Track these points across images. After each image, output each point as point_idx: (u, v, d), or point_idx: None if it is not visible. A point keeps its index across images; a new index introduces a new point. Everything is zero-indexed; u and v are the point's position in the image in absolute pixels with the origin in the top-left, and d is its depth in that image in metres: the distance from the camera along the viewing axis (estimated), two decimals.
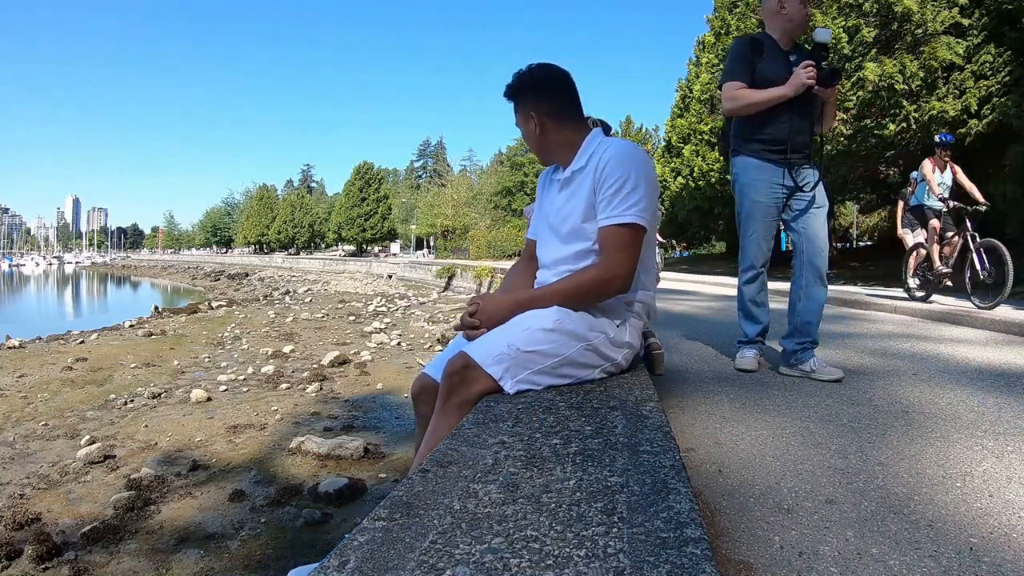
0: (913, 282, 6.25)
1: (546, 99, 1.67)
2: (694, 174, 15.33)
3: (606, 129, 2.34)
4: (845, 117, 9.82)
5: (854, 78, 9.59)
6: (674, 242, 27.79)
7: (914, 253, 6.30)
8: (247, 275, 38.99)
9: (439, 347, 9.15)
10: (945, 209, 5.71)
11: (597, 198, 1.57)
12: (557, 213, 1.68)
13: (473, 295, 2.10)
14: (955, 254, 5.69)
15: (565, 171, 1.67)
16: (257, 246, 71.67)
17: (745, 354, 2.72)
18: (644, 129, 40.51)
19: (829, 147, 10.04)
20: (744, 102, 2.49)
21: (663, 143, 19.91)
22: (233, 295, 24.75)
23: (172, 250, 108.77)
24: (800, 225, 2.56)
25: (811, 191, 2.56)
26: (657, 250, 9.64)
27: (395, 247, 55.69)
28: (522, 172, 38.94)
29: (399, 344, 9.81)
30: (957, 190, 5.80)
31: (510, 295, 1.66)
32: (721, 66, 14.87)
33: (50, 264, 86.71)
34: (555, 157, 1.72)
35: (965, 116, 8.73)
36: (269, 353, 9.20)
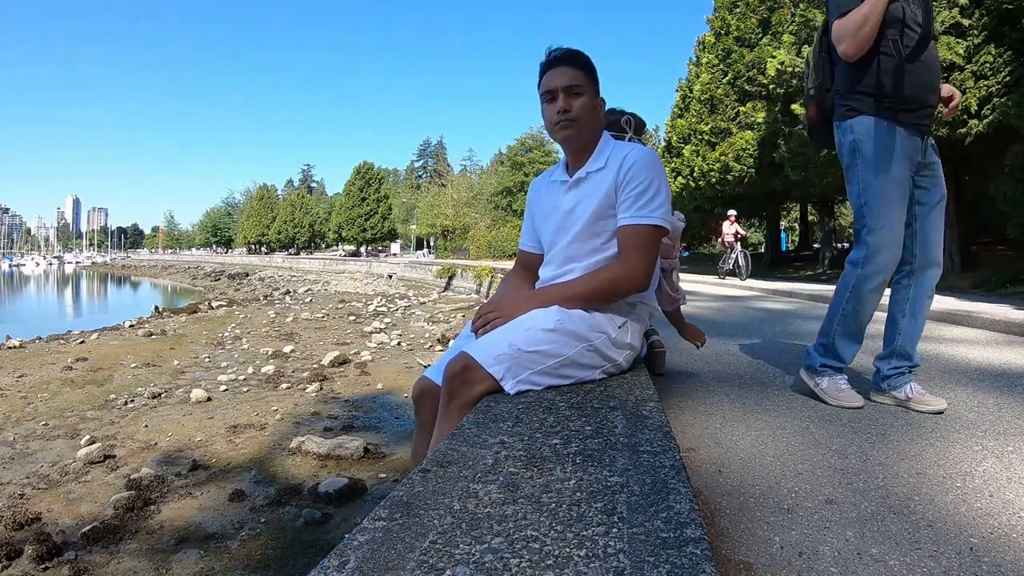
0: None
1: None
2: (694, 174, 15.31)
3: (640, 125, 2.34)
4: None
5: None
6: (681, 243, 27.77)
7: None
8: (247, 275, 38.99)
9: (439, 347, 9.15)
10: None
11: (619, 198, 1.58)
12: (568, 214, 1.67)
13: (484, 303, 2.02)
14: None
15: (577, 171, 1.67)
16: (256, 246, 71.63)
17: (841, 385, 2.08)
18: (644, 129, 40.46)
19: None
20: (865, 20, 1.82)
21: (663, 143, 19.90)
22: (233, 295, 24.74)
23: (172, 250, 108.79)
24: (917, 221, 2.02)
25: (937, 173, 2.03)
26: (741, 250, 9.28)
27: (395, 247, 55.69)
28: (522, 172, 38.91)
29: (399, 344, 9.81)
30: None
31: (527, 291, 1.67)
32: (721, 67, 14.89)
33: (50, 264, 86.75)
34: (582, 145, 1.67)
35: (965, 116, 8.72)
36: (269, 353, 9.20)
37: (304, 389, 6.71)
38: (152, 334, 11.37)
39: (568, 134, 1.64)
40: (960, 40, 8.73)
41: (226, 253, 77.88)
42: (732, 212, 13.37)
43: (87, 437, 5.07)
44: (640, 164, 1.57)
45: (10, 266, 76.00)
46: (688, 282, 11.44)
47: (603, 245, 1.62)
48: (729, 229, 13.00)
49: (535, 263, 1.83)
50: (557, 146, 1.80)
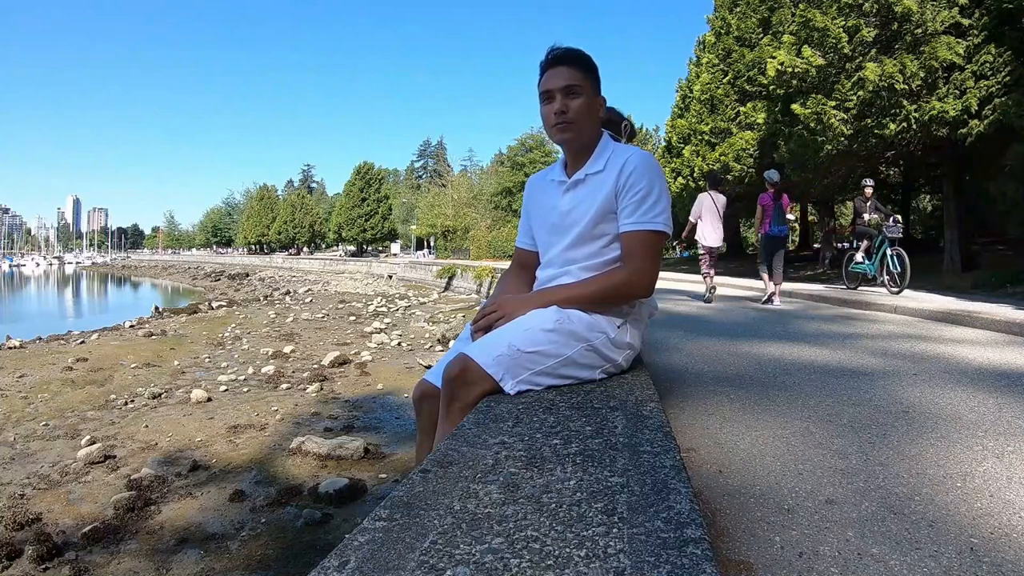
0: None
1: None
2: (694, 174, 15.31)
3: (631, 130, 2.32)
4: (845, 117, 9.82)
5: (854, 78, 9.58)
6: (675, 243, 27.76)
7: None
8: (247, 275, 39.01)
9: (439, 347, 9.15)
10: None
11: (620, 203, 1.58)
12: (565, 215, 1.66)
13: (485, 303, 1.97)
14: None
15: (576, 173, 1.65)
16: (256, 246, 71.61)
17: None
18: (644, 129, 40.46)
19: (830, 147, 10.02)
20: None
21: (663, 143, 19.89)
22: (233, 295, 24.75)
23: (172, 250, 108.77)
24: None
25: None
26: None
27: (395, 247, 55.70)
28: (522, 172, 38.86)
29: (399, 344, 9.81)
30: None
31: (531, 291, 1.67)
32: (721, 67, 14.89)
33: (50, 264, 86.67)
34: (580, 146, 1.65)
35: (965, 116, 8.72)
36: (269, 353, 9.20)
37: (304, 389, 6.71)
38: (152, 334, 11.37)
39: (566, 136, 1.62)
40: (960, 40, 8.73)
41: (225, 253, 77.83)
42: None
43: (87, 437, 5.07)
44: (641, 169, 1.56)
45: (10, 266, 75.92)
46: (686, 282, 11.43)
47: (602, 249, 1.62)
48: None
49: (532, 261, 1.83)
50: (557, 146, 1.77)
